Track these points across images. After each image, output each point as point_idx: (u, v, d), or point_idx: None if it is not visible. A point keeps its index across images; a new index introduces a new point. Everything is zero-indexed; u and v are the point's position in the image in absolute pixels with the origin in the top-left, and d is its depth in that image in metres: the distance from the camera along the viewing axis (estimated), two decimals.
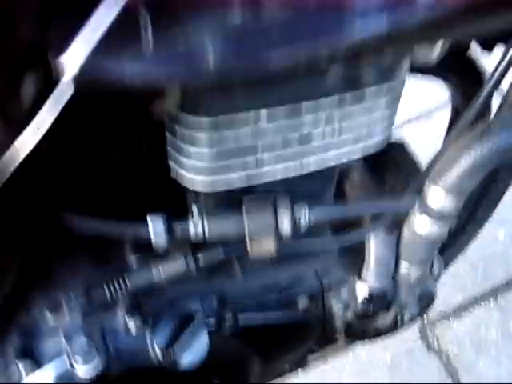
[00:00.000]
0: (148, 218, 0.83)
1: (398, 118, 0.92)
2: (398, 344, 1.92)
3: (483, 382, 1.86)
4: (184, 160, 0.77)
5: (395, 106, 0.87)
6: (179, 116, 0.73)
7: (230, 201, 0.87)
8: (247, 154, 0.77)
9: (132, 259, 0.94)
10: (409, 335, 1.93)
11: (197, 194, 0.88)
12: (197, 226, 0.83)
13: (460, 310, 1.99)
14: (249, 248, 0.84)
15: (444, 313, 1.98)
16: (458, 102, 1.08)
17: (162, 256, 0.90)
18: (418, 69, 1.02)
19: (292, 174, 0.83)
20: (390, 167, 1.06)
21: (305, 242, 0.91)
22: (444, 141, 0.99)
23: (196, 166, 0.76)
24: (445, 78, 1.06)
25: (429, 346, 1.93)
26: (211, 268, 0.95)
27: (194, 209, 0.84)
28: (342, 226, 0.96)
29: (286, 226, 0.83)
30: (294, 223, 0.84)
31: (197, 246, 0.90)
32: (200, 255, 0.88)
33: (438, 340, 1.94)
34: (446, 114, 1.17)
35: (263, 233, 0.83)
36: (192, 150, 0.75)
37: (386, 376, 1.88)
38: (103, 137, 0.74)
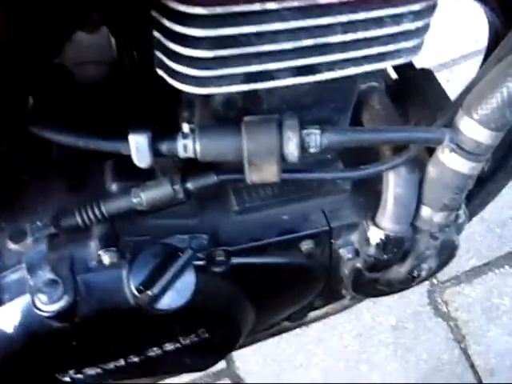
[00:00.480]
0: (129, 131, 0.69)
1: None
2: (404, 307, 1.80)
3: (492, 351, 1.75)
4: (173, 47, 0.63)
5: (428, 18, 0.72)
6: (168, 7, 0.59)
7: (228, 116, 0.74)
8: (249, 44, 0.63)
9: (112, 184, 0.81)
10: (416, 298, 1.82)
11: (189, 104, 0.74)
12: (187, 142, 0.70)
13: (472, 275, 1.87)
14: (247, 173, 0.71)
15: (455, 277, 1.86)
16: (497, 25, 0.93)
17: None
18: None
19: (303, 80, 0.68)
20: (416, 97, 0.92)
21: (312, 173, 0.78)
22: (480, 67, 0.85)
23: (188, 55, 0.62)
24: None
25: (437, 311, 1.81)
26: (203, 199, 0.82)
27: (185, 123, 0.71)
28: (357, 160, 0.82)
29: (291, 150, 0.69)
30: (302, 147, 0.70)
31: (187, 171, 0.77)
32: (189, 179, 0.74)
33: (446, 305, 1.82)
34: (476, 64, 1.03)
35: (265, 156, 0.69)
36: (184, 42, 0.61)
37: (389, 339, 1.77)
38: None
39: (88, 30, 0.76)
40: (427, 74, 0.97)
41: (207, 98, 0.72)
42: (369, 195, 0.87)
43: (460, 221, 0.90)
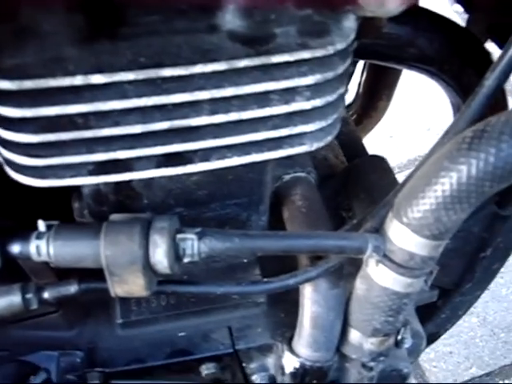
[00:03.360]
0: None
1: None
2: None
3: None
4: None
5: (333, 95, 0.56)
6: None
7: (101, 212, 0.61)
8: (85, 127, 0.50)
9: None
10: None
11: (52, 200, 0.62)
12: (40, 243, 0.57)
13: None
14: (110, 285, 0.57)
15: None
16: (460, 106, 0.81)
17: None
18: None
19: (171, 171, 0.55)
20: (362, 189, 0.79)
21: (197, 286, 0.63)
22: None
23: (10, 139, 0.50)
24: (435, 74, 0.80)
25: None
26: (84, 306, 0.68)
27: (42, 222, 0.57)
28: (272, 269, 0.68)
29: (159, 259, 0.56)
30: (177, 255, 0.56)
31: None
32: (47, 287, 0.61)
33: None
34: None
35: (127, 265, 0.56)
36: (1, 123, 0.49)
37: None
38: None
39: None
40: (378, 162, 0.83)
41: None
42: (290, 308, 0.71)
43: (406, 346, 0.74)
